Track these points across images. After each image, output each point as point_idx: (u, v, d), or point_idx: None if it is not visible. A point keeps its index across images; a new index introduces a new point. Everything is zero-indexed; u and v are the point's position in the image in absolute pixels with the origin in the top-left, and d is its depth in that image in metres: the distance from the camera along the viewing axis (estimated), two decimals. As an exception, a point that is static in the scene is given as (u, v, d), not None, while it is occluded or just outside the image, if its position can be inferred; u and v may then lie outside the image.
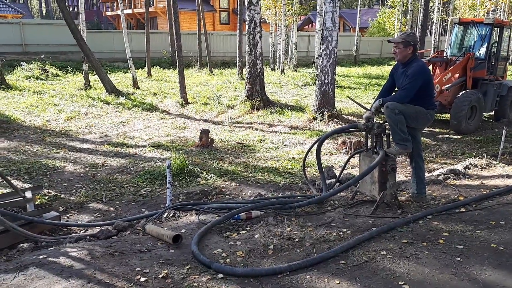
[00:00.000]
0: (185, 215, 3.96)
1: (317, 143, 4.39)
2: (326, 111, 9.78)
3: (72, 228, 4.27)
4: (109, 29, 36.97)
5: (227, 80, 17.25)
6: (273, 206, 3.85)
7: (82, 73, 14.86)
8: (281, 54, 20.47)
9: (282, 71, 20.09)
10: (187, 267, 2.87)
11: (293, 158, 7.12)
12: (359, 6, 27.49)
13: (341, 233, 3.43)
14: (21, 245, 3.46)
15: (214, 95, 12.84)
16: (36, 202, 4.93)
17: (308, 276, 2.74)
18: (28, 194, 4.82)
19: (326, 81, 9.92)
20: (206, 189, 5.40)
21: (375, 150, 4.00)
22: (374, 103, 4.04)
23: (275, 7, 20.42)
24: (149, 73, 17.95)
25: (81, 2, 14.33)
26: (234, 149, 7.66)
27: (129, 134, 8.79)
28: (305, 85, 16.46)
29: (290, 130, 9.31)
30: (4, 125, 8.97)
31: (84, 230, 4.18)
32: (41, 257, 2.97)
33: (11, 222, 3.92)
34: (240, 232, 3.47)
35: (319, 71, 10.03)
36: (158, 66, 20.46)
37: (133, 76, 14.87)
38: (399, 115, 3.76)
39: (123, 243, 3.28)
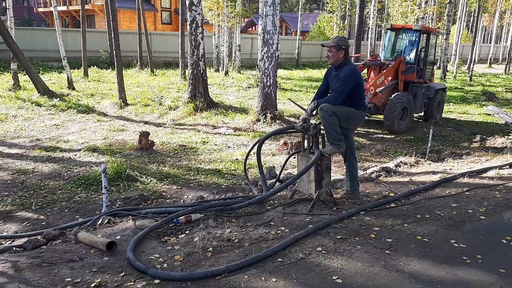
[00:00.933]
0: (121, 221, 3.82)
1: (257, 145, 4.45)
2: (269, 113, 9.93)
3: (-3, 240, 3.96)
4: (42, 26, 34.80)
5: (170, 81, 16.93)
6: (214, 208, 3.84)
7: (10, 73, 13.84)
8: (224, 56, 20.50)
9: (226, 73, 20.11)
10: (121, 274, 2.77)
11: (236, 159, 7.15)
12: (300, 10, 28.27)
13: (280, 231, 3.50)
14: None
15: (156, 96, 12.56)
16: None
17: (246, 276, 2.77)
18: None
19: (268, 83, 10.07)
20: (145, 194, 5.26)
21: (312, 150, 4.13)
22: (309, 105, 4.16)
23: (217, 8, 20.38)
24: (85, 73, 17.12)
25: (8, -2, 13.34)
26: (176, 151, 7.53)
27: (63, 138, 8.34)
28: (249, 87, 16.59)
29: (234, 131, 9.33)
30: None
31: (10, 242, 3.89)
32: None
33: None
34: (179, 236, 3.41)
35: (261, 73, 10.16)
36: (95, 66, 19.62)
37: (68, 77, 14.11)
38: (332, 116, 3.92)
39: (53, 252, 3.10)
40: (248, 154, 4.88)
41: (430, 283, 2.75)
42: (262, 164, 4.62)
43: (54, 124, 9.50)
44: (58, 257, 3.00)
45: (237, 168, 6.59)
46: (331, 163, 4.12)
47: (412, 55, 10.26)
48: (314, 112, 4.13)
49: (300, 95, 15.49)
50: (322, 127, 4.14)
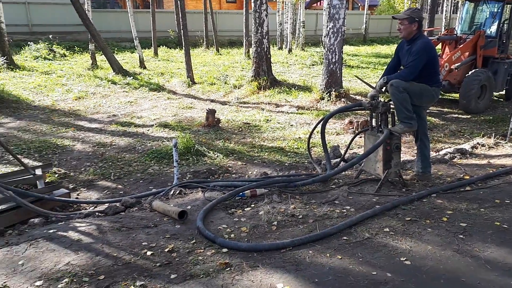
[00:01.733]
0: (191, 193, 4.02)
1: (321, 122, 4.39)
2: (334, 91, 9.71)
3: (81, 205, 4.37)
4: (115, 8, 36.63)
5: (234, 60, 17.13)
6: (278, 184, 3.89)
7: (89, 53, 14.85)
8: (288, 33, 20.20)
9: (290, 50, 19.87)
10: (192, 242, 2.94)
11: (299, 138, 7.13)
12: None
13: (345, 210, 3.47)
14: (32, 220, 3.56)
15: (221, 75, 12.80)
16: (47, 180, 5.04)
17: (310, 252, 2.80)
18: (38, 172, 4.93)
19: (334, 60, 9.81)
20: (212, 168, 5.45)
21: (380, 129, 3.99)
22: (379, 81, 4.00)
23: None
24: (155, 53, 17.86)
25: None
26: (240, 129, 7.68)
27: (137, 114, 8.84)
28: (312, 65, 16.29)
29: (297, 110, 9.28)
30: (13, 105, 9.06)
31: (93, 207, 4.27)
32: (51, 231, 3.06)
33: (22, 199, 4.02)
34: (245, 209, 3.52)
35: (326, 50, 9.91)
36: (164, 46, 20.33)
37: (139, 56, 14.82)
38: (403, 93, 3.74)
39: (130, 218, 3.36)
40: (312, 132, 4.84)
41: (510, 272, 2.59)
42: (326, 143, 4.57)
43: (128, 101, 10.09)
44: (135, 223, 3.25)
45: (300, 147, 6.58)
46: (401, 142, 3.96)
47: (494, 28, 9.37)
48: (384, 89, 3.97)
49: (367, 72, 14.91)
50: (392, 105, 3.97)
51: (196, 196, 3.88)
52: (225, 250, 2.82)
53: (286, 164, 5.72)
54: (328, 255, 2.76)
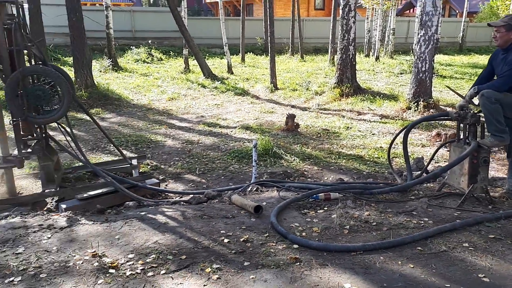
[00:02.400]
0: (267, 191, 4.21)
1: (404, 131, 4.30)
2: (422, 101, 9.29)
3: (169, 194, 4.80)
4: (208, 16, 38.76)
5: (318, 67, 17.16)
6: (353, 190, 3.91)
7: (182, 57, 15.98)
8: (376, 40, 19.68)
9: (377, 58, 19.34)
10: (265, 235, 3.11)
11: (380, 147, 6.97)
12: None
13: (422, 222, 3.38)
14: (127, 203, 4.03)
15: (303, 81, 12.93)
16: (140, 170, 5.60)
17: (381, 257, 2.80)
18: (134, 162, 5.52)
19: (423, 69, 9.40)
20: (288, 171, 5.60)
21: (467, 141, 3.80)
22: (469, 91, 3.82)
23: (373, -9, 19.61)
24: (242, 59, 18.61)
25: (184, -9, 15.30)
26: (319, 134, 7.74)
27: (222, 116, 9.34)
28: (401, 73, 15.69)
29: (380, 118, 9.06)
30: (116, 102, 10.14)
31: (179, 197, 4.67)
32: (142, 213, 3.45)
33: (120, 185, 4.56)
34: (318, 211, 3.61)
35: (415, 58, 9.54)
36: (251, 53, 21.07)
37: (228, 62, 15.56)
38: (495, 104, 3.53)
39: (211, 209, 3.65)
40: (393, 141, 4.76)
41: None
42: (409, 154, 4.44)
43: (215, 104, 10.70)
44: (215, 213, 3.52)
45: (381, 156, 6.44)
46: (489, 156, 3.73)
47: None
48: (474, 100, 3.78)
49: (461, 83, 13.96)
50: (482, 116, 3.77)
51: (271, 195, 4.06)
52: (295, 246, 2.94)
53: (364, 172, 5.66)
54: (399, 262, 2.74)
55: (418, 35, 9.50)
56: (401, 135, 4.42)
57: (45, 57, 4.61)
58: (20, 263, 2.69)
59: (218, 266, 2.67)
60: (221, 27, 16.12)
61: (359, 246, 2.88)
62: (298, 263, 2.72)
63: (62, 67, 13.46)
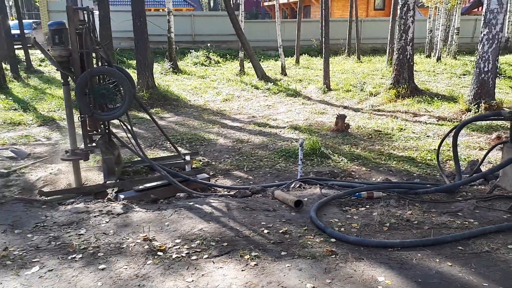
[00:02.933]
0: (310, 188, 4.30)
1: (454, 131, 4.19)
2: (483, 103, 8.81)
3: (217, 188, 5.05)
4: (266, 19, 39.24)
5: (375, 68, 16.80)
6: (397, 190, 3.88)
7: (238, 60, 16.40)
8: (438, 40, 18.83)
9: (439, 59, 18.50)
10: (304, 228, 3.22)
11: (434, 149, 6.73)
12: None
13: (467, 222, 3.30)
14: (179, 194, 4.32)
15: (358, 82, 12.75)
16: (193, 166, 5.93)
17: (419, 255, 2.80)
18: (188, 158, 5.85)
19: (486, 69, 8.92)
20: (335, 171, 5.62)
21: (521, 142, 3.64)
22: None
23: (435, -11, 18.80)
24: (297, 61, 18.68)
25: (240, -5, 15.72)
26: (370, 136, 7.64)
27: (273, 117, 9.52)
28: (464, 74, 14.91)
29: (437, 121, 8.73)
30: (174, 103, 10.70)
31: (226, 191, 4.89)
32: (191, 203, 3.71)
33: (173, 178, 4.89)
34: (359, 209, 3.64)
35: (478, 57, 9.08)
36: (306, 54, 21.04)
37: (282, 64, 15.73)
38: (553, 103, 3.35)
39: (255, 202, 3.82)
40: (442, 141, 4.64)
41: None
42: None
43: (267, 105, 10.90)
44: (258, 206, 3.68)
45: (433, 158, 6.22)
46: (545, 158, 3.55)
47: None
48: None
49: (532, 85, 12.98)
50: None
51: (314, 191, 4.14)
52: (333, 240, 3.02)
53: (415, 174, 5.53)
54: (437, 260, 2.72)
55: (481, 33, 9.03)
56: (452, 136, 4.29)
57: (110, 59, 5.06)
58: (82, 242, 3.03)
59: (256, 254, 2.83)
60: (276, 29, 16.31)
61: (396, 243, 2.90)
62: (334, 256, 2.80)
63: (126, 69, 14.45)
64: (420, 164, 6.04)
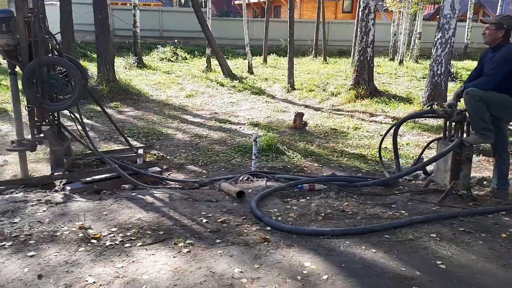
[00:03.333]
0: (257, 181, 4.38)
1: (393, 128, 4.38)
2: (436, 104, 9.18)
3: (168, 182, 5.04)
4: (237, 17, 39.24)
5: (339, 69, 17.16)
6: (338, 183, 4.02)
7: (205, 57, 16.36)
8: (401, 44, 19.48)
9: (401, 62, 19.15)
10: (243, 218, 3.29)
11: (385, 147, 6.98)
12: None
13: (398, 214, 3.47)
14: (124, 186, 4.30)
15: (321, 82, 13.01)
16: (146, 160, 5.89)
17: (347, 242, 2.92)
18: (141, 151, 5.81)
19: (439, 72, 9.34)
20: (288, 166, 5.74)
21: (453, 138, 3.85)
22: (457, 89, 3.87)
23: (399, -6, 19.42)
24: (265, 60, 18.80)
25: (208, -8, 15.70)
26: (326, 134, 7.82)
27: (235, 113, 9.57)
28: (423, 77, 15.43)
29: (392, 120, 9.02)
30: (135, 97, 10.56)
31: (177, 184, 4.89)
32: (133, 194, 3.71)
33: (123, 171, 4.85)
34: (300, 200, 3.75)
35: (432, 61, 9.48)
36: (274, 54, 21.19)
37: (248, 62, 15.82)
38: (479, 102, 3.56)
39: (199, 193, 3.86)
40: (384, 137, 4.87)
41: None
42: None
43: (230, 102, 10.94)
44: (201, 197, 3.73)
45: (383, 156, 6.46)
46: (472, 154, 3.77)
47: None
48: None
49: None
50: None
51: (260, 184, 4.22)
52: (268, 228, 3.10)
53: (363, 170, 5.73)
54: (363, 247, 2.86)
55: (435, 38, 9.43)
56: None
57: (60, 49, 4.96)
58: (14, 230, 2.98)
59: (191, 241, 2.87)
60: (243, 28, 16.38)
61: (327, 231, 3.02)
62: (266, 243, 2.89)
63: (89, 63, 14.07)
64: (370, 161, 6.25)
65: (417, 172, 4.58)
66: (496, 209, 3.54)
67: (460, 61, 22.46)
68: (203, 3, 15.94)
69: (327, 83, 12.96)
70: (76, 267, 2.54)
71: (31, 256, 2.65)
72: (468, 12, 23.32)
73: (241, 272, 2.53)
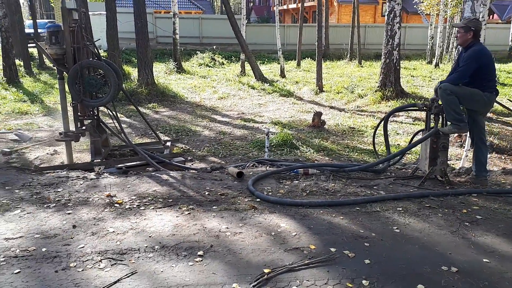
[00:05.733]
0: (262, 167, 4.98)
1: (383, 121, 4.86)
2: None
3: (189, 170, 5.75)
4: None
5: (373, 72, 17.34)
6: (330, 168, 4.53)
7: (240, 62, 17.18)
8: (437, 47, 19.35)
9: (437, 65, 19.02)
10: (239, 192, 3.91)
11: (398, 144, 7.35)
12: None
13: (375, 193, 3.93)
14: (148, 168, 5.05)
15: (350, 85, 13.37)
16: (173, 151, 6.65)
17: (321, 211, 3.45)
18: (168, 144, 6.59)
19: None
20: (300, 159, 6.28)
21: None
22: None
23: (435, -3, 19.31)
24: (298, 64, 19.36)
25: None
26: (344, 132, 8.27)
27: (260, 114, 10.21)
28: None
29: (413, 121, 9.29)
30: (171, 99, 11.49)
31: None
32: (153, 173, 4.43)
33: (150, 159, 5.62)
34: (294, 182, 4.30)
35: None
36: (309, 58, 21.65)
37: (281, 66, 16.44)
38: (450, 95, 3.96)
39: (208, 174, 4.52)
40: (376, 129, 5.33)
41: (488, 253, 2.79)
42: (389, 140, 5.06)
43: (259, 103, 11.61)
44: (208, 177, 4.39)
45: (392, 152, 6.82)
46: (448, 142, 4.15)
47: None
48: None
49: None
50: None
51: (264, 169, 4.82)
52: (258, 200, 3.70)
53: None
54: (333, 215, 3.38)
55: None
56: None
57: (99, 54, 5.84)
58: (57, 196, 3.78)
59: (192, 207, 3.53)
60: (276, 33, 17.04)
61: (306, 202, 3.56)
62: (253, 210, 3.48)
63: (132, 68, 15.25)
64: (379, 157, 6.64)
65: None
66: (468, 191, 3.91)
67: (505, 63, 21.83)
68: (243, 10, 16.78)
69: (357, 85, 13.29)
70: (101, 222, 3.26)
71: (69, 214, 3.41)
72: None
73: (227, 228, 3.14)
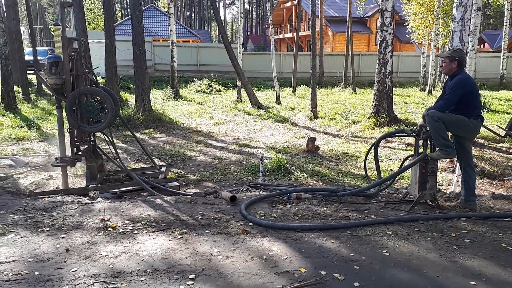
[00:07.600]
0: (255, 191, 5.04)
1: (373, 146, 4.98)
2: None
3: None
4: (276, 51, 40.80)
5: (366, 99, 17.65)
6: (322, 193, 4.60)
7: (236, 89, 17.48)
8: (429, 75, 19.80)
9: (429, 92, 19.41)
10: (232, 216, 3.95)
11: (391, 170, 7.44)
12: (504, 24, 23.50)
13: (367, 217, 3.99)
14: (142, 193, 5.09)
15: (344, 111, 13.58)
16: (168, 176, 6.70)
17: (312, 235, 3.50)
18: (163, 169, 6.65)
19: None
20: (294, 184, 6.34)
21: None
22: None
23: (426, 27, 19.89)
24: (293, 91, 19.69)
25: (240, 29, 16.99)
26: (337, 157, 8.37)
27: (256, 139, 10.33)
28: (449, 107, 15.64)
29: (406, 147, 9.41)
30: (167, 125, 11.62)
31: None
32: (147, 198, 4.48)
33: (144, 184, 5.67)
34: (287, 206, 4.36)
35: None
36: (304, 85, 22.06)
37: (276, 93, 16.73)
38: (438, 122, 4.09)
39: (201, 199, 4.57)
40: (367, 155, 5.46)
41: (475, 276, 2.83)
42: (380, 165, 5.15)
43: (254, 129, 11.75)
44: (201, 201, 4.44)
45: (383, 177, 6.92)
46: (437, 167, 4.25)
47: None
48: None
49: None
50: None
51: (257, 193, 4.88)
52: (251, 224, 3.74)
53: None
54: (324, 239, 3.42)
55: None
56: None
57: (97, 81, 5.98)
58: (51, 221, 3.81)
59: (185, 231, 3.57)
60: (271, 61, 17.42)
61: (297, 226, 3.61)
62: (246, 234, 3.53)
63: (130, 94, 15.45)
64: (371, 181, 6.72)
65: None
66: (457, 215, 3.98)
67: (496, 91, 22.29)
68: (240, 39, 17.22)
69: (351, 112, 13.51)
70: (94, 245, 3.29)
71: (62, 238, 3.44)
72: (503, 43, 23.25)
73: (219, 252, 3.18)
